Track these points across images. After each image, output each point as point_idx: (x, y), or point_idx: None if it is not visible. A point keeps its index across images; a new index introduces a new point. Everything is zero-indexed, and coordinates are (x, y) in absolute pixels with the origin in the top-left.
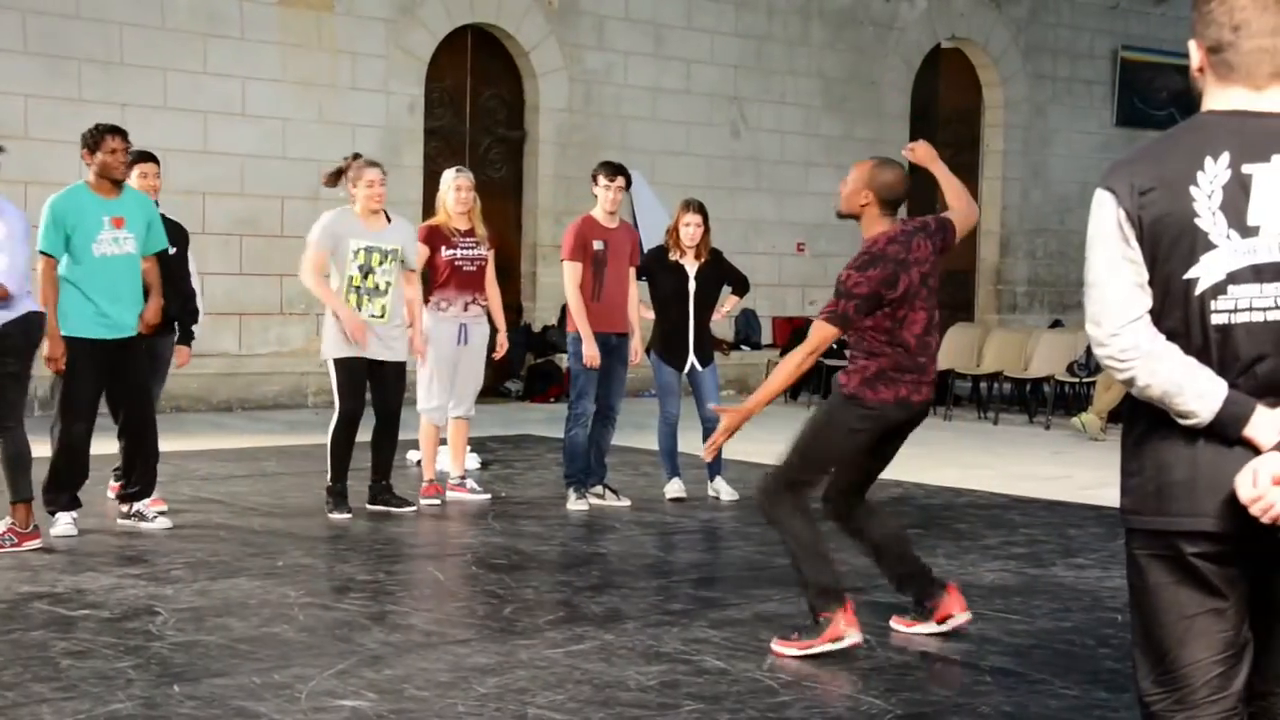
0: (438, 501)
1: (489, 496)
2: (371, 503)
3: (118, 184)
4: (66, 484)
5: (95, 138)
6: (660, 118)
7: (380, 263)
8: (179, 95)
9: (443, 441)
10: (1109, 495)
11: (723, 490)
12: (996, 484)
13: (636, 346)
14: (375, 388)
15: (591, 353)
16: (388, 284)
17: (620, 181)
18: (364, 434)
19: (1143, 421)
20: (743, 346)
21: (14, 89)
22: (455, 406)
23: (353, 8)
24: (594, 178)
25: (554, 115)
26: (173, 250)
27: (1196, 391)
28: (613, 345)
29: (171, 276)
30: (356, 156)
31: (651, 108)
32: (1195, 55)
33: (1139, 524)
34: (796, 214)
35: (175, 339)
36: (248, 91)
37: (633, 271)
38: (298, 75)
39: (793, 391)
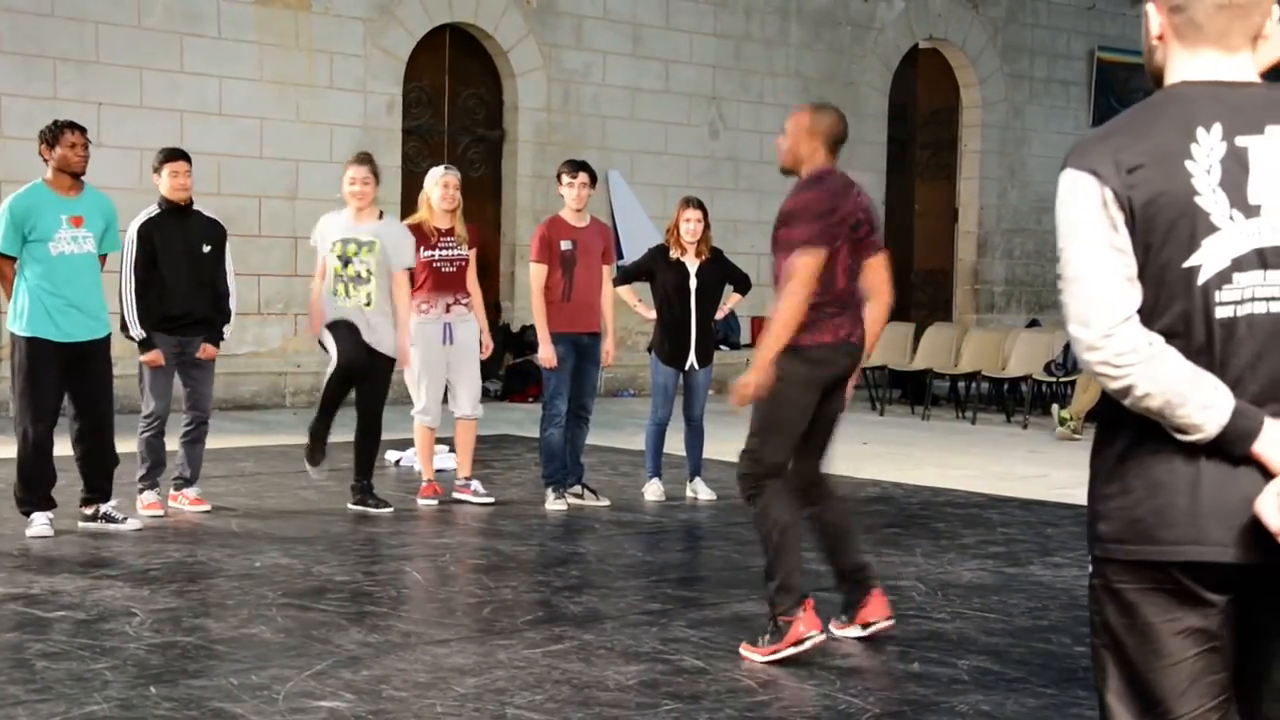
0: (434, 502)
1: (493, 500)
2: (353, 503)
3: (77, 180)
4: (36, 485)
5: (54, 133)
6: (639, 117)
7: (356, 252)
8: (155, 94)
9: (439, 441)
10: (1085, 494)
11: (701, 490)
12: (974, 483)
13: (609, 347)
14: (359, 384)
15: (547, 354)
16: (369, 272)
17: (583, 177)
18: (345, 434)
19: (1126, 434)
20: (721, 347)
21: None
22: (458, 408)
23: (330, 7)
24: (558, 177)
25: (532, 115)
26: (207, 249)
27: (1201, 402)
28: (584, 345)
29: (204, 275)
30: (358, 153)
31: (630, 107)
32: (1154, 20)
33: (1124, 554)
34: (775, 214)
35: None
36: (224, 91)
37: (606, 270)
38: (275, 75)
39: None
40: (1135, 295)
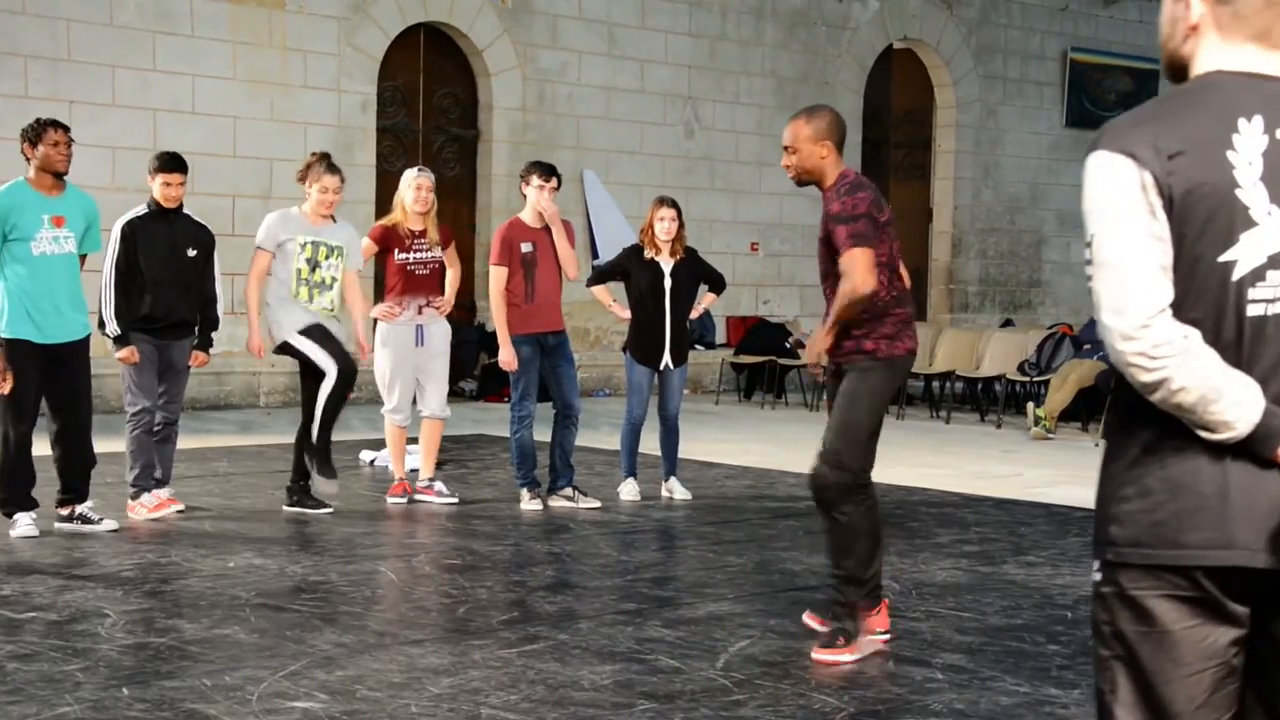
0: (404, 500)
1: (457, 499)
2: (289, 504)
3: (59, 179)
4: (18, 485)
5: (36, 131)
6: (614, 117)
7: (326, 257)
8: (128, 93)
9: (412, 440)
10: (1058, 493)
11: (676, 490)
12: (949, 482)
13: None
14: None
15: (507, 357)
16: (334, 279)
17: (554, 183)
18: (285, 435)
19: (1143, 434)
20: (697, 346)
21: None
22: (424, 408)
23: (304, 5)
24: (524, 178)
25: (507, 114)
26: (193, 252)
27: (1234, 399)
28: (550, 345)
29: (187, 278)
30: (324, 156)
31: (605, 107)
32: (1196, 9)
33: (1142, 559)
34: (750, 213)
35: (193, 343)
36: (197, 89)
37: (571, 252)
38: (248, 73)
39: (746, 391)
40: (1169, 287)
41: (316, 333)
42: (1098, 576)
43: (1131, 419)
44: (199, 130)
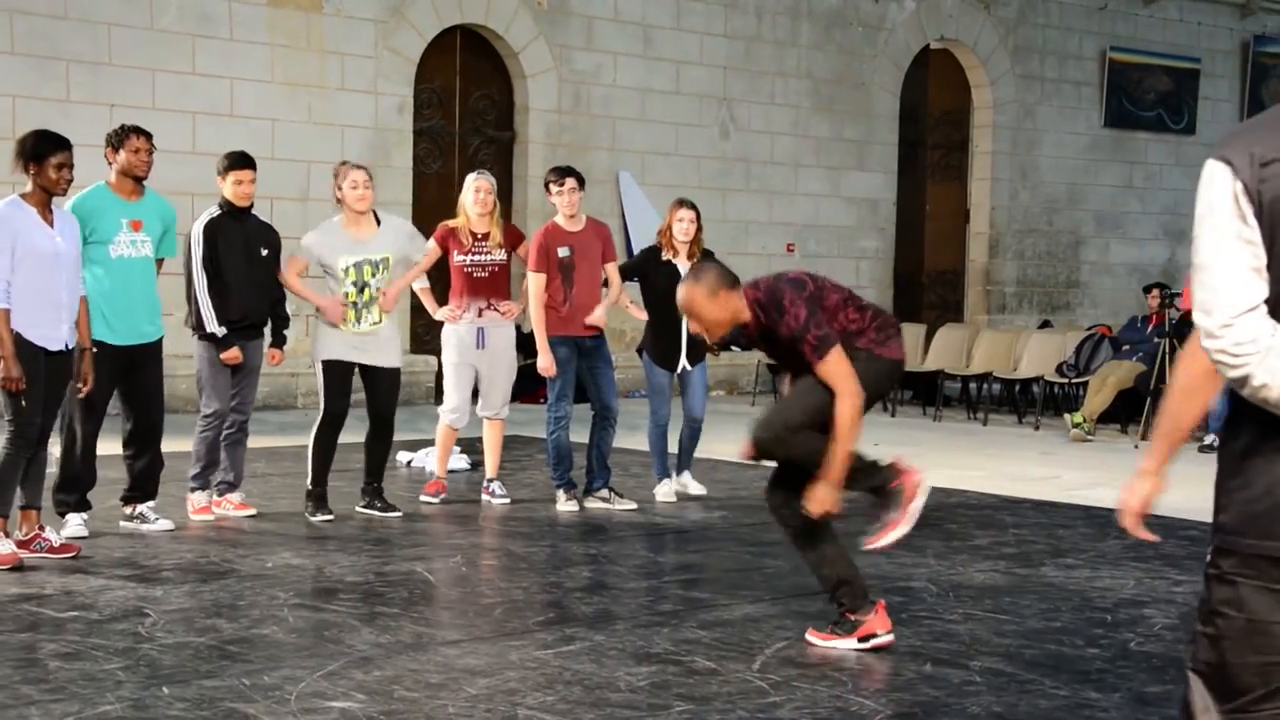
0: (436, 500)
1: (509, 500)
2: (362, 506)
3: (139, 185)
4: (77, 486)
5: (120, 137)
6: (649, 118)
7: (373, 274)
8: (167, 96)
9: (426, 443)
10: (1098, 496)
11: (690, 485)
12: (986, 484)
13: (600, 312)
14: (370, 393)
15: (546, 363)
16: (380, 290)
17: (571, 183)
18: (357, 435)
19: (1250, 429)
20: (733, 348)
21: (2, 89)
22: (483, 409)
23: (341, 8)
24: (546, 187)
25: (543, 116)
26: (264, 253)
27: None
28: (587, 347)
29: (260, 278)
30: (343, 163)
31: (641, 108)
32: None
33: (1241, 546)
34: (786, 214)
35: (268, 343)
36: (236, 92)
37: (609, 267)
38: (286, 76)
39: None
40: (1261, 286)
41: (337, 370)
42: (1208, 558)
43: (1240, 416)
44: (238, 133)
